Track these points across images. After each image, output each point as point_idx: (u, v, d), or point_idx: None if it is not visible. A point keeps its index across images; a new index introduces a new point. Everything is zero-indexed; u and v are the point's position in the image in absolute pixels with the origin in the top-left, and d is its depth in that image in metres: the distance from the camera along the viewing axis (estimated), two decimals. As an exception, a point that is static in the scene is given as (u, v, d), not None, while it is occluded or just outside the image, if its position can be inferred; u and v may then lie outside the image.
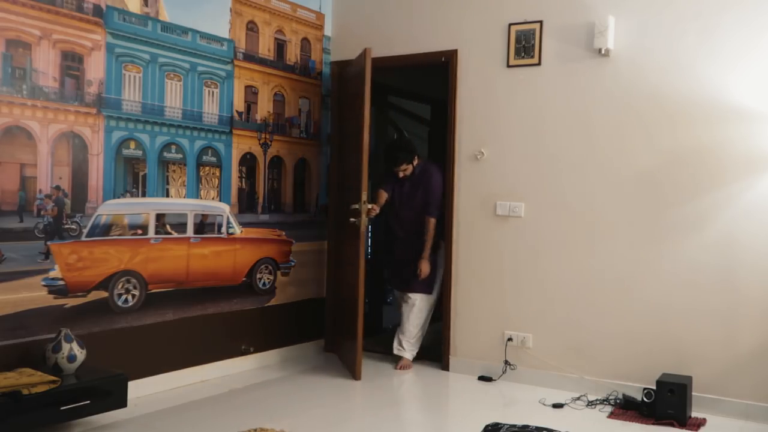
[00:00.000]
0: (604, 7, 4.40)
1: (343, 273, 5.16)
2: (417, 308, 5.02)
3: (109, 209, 4.02)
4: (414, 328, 5.02)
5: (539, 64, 4.66)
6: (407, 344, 5.02)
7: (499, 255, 4.79)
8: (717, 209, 4.12)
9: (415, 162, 4.98)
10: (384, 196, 5.09)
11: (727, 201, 4.09)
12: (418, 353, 5.08)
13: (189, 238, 4.47)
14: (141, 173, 4.21)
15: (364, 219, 4.63)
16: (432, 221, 4.93)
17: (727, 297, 4.08)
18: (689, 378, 4.02)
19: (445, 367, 4.96)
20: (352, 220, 4.66)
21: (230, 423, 3.69)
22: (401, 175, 4.95)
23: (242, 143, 4.85)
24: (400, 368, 4.94)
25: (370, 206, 4.75)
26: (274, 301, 5.10)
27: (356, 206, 4.66)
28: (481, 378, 4.77)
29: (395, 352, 5.05)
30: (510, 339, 4.72)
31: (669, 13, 4.25)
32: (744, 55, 4.04)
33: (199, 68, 4.52)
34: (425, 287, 5.02)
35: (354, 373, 4.66)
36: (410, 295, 5.03)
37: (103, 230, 3.99)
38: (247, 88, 4.87)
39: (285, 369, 4.91)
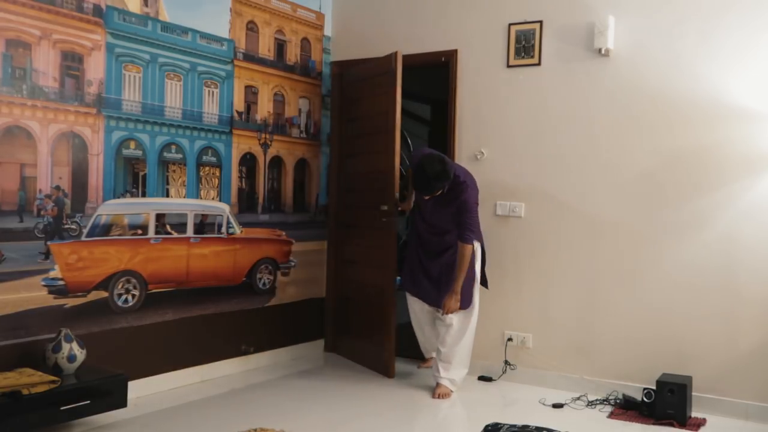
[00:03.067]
0: (604, 7, 4.40)
1: (357, 273, 5.16)
2: (453, 329, 4.40)
3: (109, 209, 4.02)
4: (451, 350, 4.41)
5: (539, 64, 4.66)
6: (443, 369, 4.42)
7: (499, 255, 4.78)
8: (717, 209, 4.12)
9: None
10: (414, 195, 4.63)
11: (728, 201, 4.09)
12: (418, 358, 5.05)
13: (189, 238, 4.47)
14: (141, 173, 4.21)
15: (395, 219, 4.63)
16: (467, 248, 4.24)
17: (728, 297, 4.08)
18: (689, 378, 4.02)
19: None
20: (384, 220, 4.64)
21: (230, 423, 3.68)
22: (428, 197, 4.33)
23: (242, 143, 4.85)
24: (437, 396, 4.37)
25: (400, 206, 4.68)
26: (274, 301, 5.10)
27: (385, 207, 4.68)
28: (481, 378, 4.76)
29: (434, 377, 4.48)
30: (510, 339, 4.72)
31: (669, 14, 4.25)
32: (743, 55, 4.05)
33: (199, 68, 4.52)
34: (461, 302, 4.33)
35: (387, 372, 4.72)
36: (442, 315, 4.40)
37: (103, 230, 3.99)
38: (247, 88, 4.87)
39: (285, 369, 4.90)
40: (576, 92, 4.54)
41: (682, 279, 4.20)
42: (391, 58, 4.71)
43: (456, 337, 4.41)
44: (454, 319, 4.38)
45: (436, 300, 4.45)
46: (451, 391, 4.41)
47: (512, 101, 4.76)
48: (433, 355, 4.65)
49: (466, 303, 4.37)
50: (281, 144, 5.15)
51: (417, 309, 4.68)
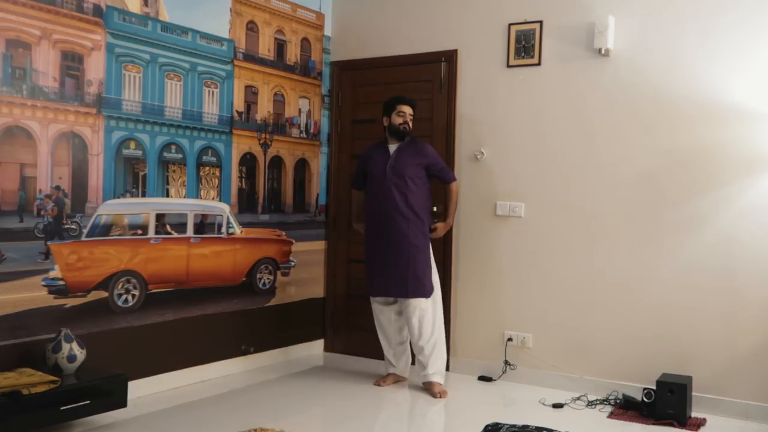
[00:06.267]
0: (604, 7, 4.40)
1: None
2: (427, 318, 4.36)
3: (109, 209, 4.02)
4: (428, 341, 4.38)
5: (539, 64, 4.66)
6: (430, 364, 4.39)
7: (499, 255, 4.79)
8: (717, 209, 4.12)
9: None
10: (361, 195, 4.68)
11: (727, 201, 4.09)
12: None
13: (189, 238, 4.47)
14: (141, 173, 4.21)
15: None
16: (455, 185, 4.50)
17: (727, 297, 4.08)
18: (689, 378, 4.02)
19: (445, 367, 4.94)
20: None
21: (230, 423, 3.69)
22: (406, 119, 4.41)
23: (242, 143, 4.85)
24: (438, 396, 4.34)
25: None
26: (274, 301, 5.10)
27: (435, 209, 4.69)
28: (481, 378, 4.77)
29: (423, 376, 4.43)
30: (510, 339, 4.72)
31: (669, 13, 4.25)
32: (744, 55, 4.05)
33: (199, 68, 4.52)
34: (423, 290, 4.33)
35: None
36: (410, 302, 4.35)
37: (103, 230, 3.99)
38: (247, 88, 4.87)
39: (285, 369, 4.91)
40: (576, 92, 4.54)
41: (682, 279, 4.20)
42: (440, 67, 4.61)
43: (432, 325, 4.37)
44: (420, 305, 4.32)
45: (400, 287, 4.34)
46: (442, 384, 4.41)
47: (512, 101, 4.76)
48: (395, 370, 4.60)
49: (428, 291, 4.34)
50: (281, 144, 5.15)
51: (381, 314, 4.56)
